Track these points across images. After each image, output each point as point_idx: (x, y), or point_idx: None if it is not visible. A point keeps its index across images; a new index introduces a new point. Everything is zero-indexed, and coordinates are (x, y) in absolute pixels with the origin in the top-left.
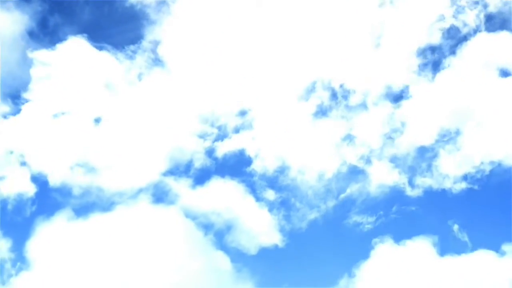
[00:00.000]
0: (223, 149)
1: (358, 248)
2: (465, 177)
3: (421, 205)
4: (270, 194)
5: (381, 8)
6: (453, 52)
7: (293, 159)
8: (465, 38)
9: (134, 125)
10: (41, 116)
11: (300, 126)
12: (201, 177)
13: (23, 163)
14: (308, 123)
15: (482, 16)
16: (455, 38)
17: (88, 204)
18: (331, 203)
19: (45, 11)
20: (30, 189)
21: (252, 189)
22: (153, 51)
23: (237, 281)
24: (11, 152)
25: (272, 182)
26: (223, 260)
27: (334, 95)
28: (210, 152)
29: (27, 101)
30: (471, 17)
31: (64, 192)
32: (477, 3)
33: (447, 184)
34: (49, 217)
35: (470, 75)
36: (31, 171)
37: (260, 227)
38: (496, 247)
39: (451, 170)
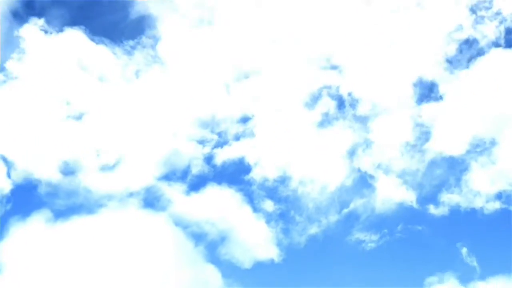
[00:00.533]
0: (222, 156)
1: (360, 267)
2: (499, 196)
3: (432, 224)
4: (269, 205)
5: (395, 13)
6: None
7: (295, 169)
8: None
9: (129, 125)
10: (25, 108)
11: (304, 135)
12: (196, 183)
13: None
14: (312, 132)
15: None
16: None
17: (72, 206)
18: (333, 218)
19: (43, 2)
20: (6, 186)
21: (250, 198)
22: (153, 47)
23: None
24: None
25: (272, 192)
26: (213, 274)
27: (341, 103)
28: (208, 159)
29: None
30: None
31: (47, 191)
32: None
33: (478, 203)
34: (24, 218)
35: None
36: (9, 165)
37: (256, 240)
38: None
39: (483, 187)
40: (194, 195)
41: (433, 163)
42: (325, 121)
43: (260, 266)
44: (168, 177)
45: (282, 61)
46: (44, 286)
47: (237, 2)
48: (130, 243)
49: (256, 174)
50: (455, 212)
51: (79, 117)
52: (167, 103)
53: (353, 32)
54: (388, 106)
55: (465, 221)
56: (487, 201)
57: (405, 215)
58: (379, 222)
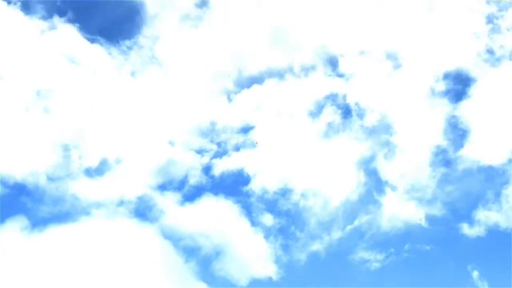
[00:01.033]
0: (221, 167)
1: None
2: None
3: (441, 244)
4: (268, 219)
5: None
6: None
7: (297, 181)
8: None
9: (123, 130)
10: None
11: (307, 146)
12: (191, 194)
13: None
14: (316, 142)
15: None
16: None
17: (57, 213)
18: (336, 235)
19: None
20: None
21: (248, 211)
22: (151, 48)
23: None
24: None
25: (271, 205)
26: None
27: (348, 113)
28: (207, 169)
29: None
30: None
31: (29, 197)
32: None
33: None
34: None
35: None
36: None
37: (253, 256)
38: None
39: None
40: (189, 206)
41: (465, 175)
42: (330, 131)
43: (257, 284)
44: (163, 186)
45: (286, 66)
46: None
47: (239, 2)
48: (113, 257)
49: (255, 186)
50: (494, 232)
51: (69, 120)
52: (164, 108)
53: (360, 38)
54: (399, 116)
55: (494, 241)
56: None
57: (412, 234)
58: (385, 241)
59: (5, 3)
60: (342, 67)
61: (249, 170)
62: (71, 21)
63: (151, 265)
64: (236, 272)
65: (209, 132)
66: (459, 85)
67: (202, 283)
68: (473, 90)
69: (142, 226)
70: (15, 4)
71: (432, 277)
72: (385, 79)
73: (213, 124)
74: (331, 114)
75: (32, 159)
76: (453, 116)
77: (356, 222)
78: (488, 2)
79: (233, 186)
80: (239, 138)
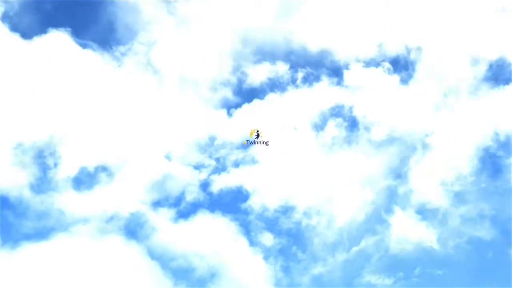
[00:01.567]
0: (219, 183)
1: None
2: None
3: (454, 268)
4: (268, 238)
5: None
6: None
7: (299, 198)
8: None
9: (116, 142)
10: None
11: (311, 160)
12: (186, 210)
13: None
14: (321, 157)
15: None
16: None
17: (41, 229)
18: (340, 257)
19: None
20: None
21: (247, 230)
22: (146, 54)
23: None
24: None
25: (271, 223)
26: None
27: (354, 126)
28: (204, 186)
29: None
30: None
31: (10, 211)
32: None
33: None
34: None
35: None
36: None
37: (251, 278)
38: None
39: None
40: (183, 223)
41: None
42: (336, 145)
43: None
44: (158, 203)
45: (287, 77)
46: None
47: (240, 6)
48: (95, 277)
49: (254, 202)
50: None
51: (59, 130)
52: (160, 119)
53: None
54: (408, 130)
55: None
56: None
57: (423, 257)
58: (394, 264)
59: None
60: (347, 77)
61: (248, 187)
62: (62, 25)
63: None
64: None
65: (208, 147)
66: None
67: None
68: None
69: (130, 244)
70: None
71: None
72: (394, 90)
73: (212, 139)
74: (336, 127)
75: (15, 169)
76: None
77: (363, 243)
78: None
79: (231, 203)
80: (239, 154)
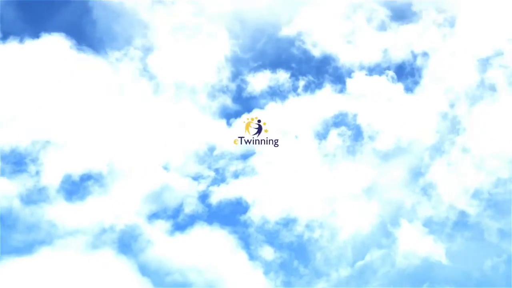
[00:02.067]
0: (218, 195)
1: None
2: None
3: (464, 284)
4: (268, 252)
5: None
6: None
7: (301, 210)
8: None
9: (110, 151)
10: None
11: (313, 171)
12: (183, 222)
13: None
14: (324, 167)
15: None
16: None
17: (31, 242)
18: (344, 272)
19: (19, 4)
20: None
21: (246, 243)
22: (142, 60)
23: None
24: None
25: (272, 236)
26: None
27: (358, 135)
28: (203, 197)
29: None
30: None
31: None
32: None
33: None
34: None
35: None
36: None
37: None
38: None
39: None
40: (179, 236)
41: None
42: (339, 154)
43: None
44: (156, 214)
45: (290, 84)
46: None
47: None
48: None
49: (254, 214)
50: None
51: (52, 137)
52: (156, 129)
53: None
54: (415, 139)
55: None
56: None
57: (432, 272)
58: (401, 279)
59: None
60: (351, 84)
61: (248, 198)
62: (55, 28)
63: None
64: None
65: (207, 158)
66: None
67: None
68: None
69: (122, 258)
70: None
71: None
72: (400, 97)
73: (211, 149)
74: (339, 136)
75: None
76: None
77: (368, 258)
78: None
79: (230, 215)
80: (238, 165)
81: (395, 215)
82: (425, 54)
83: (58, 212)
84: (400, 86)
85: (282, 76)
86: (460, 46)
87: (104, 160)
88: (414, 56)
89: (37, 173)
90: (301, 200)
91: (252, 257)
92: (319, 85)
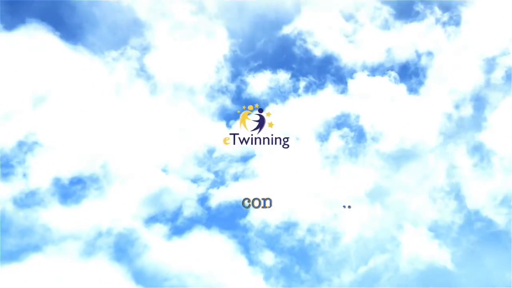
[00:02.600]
0: (218, 198)
1: None
2: None
3: None
4: (268, 257)
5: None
6: None
7: (302, 214)
8: None
9: (107, 153)
10: None
11: (315, 173)
12: (181, 226)
13: None
14: (325, 169)
15: None
16: None
17: (25, 246)
18: (347, 277)
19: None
20: None
21: (245, 247)
22: (139, 60)
23: None
24: None
25: (272, 241)
26: None
27: (361, 136)
28: (202, 200)
29: None
30: None
31: None
32: None
33: None
34: None
35: None
36: None
37: None
38: None
39: None
40: (177, 241)
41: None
42: (341, 156)
43: None
44: (155, 218)
45: (290, 84)
46: None
47: (241, 8)
48: None
49: (254, 218)
50: None
51: (43, 141)
52: (154, 130)
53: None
54: (419, 141)
55: None
56: None
57: (437, 278)
58: (405, 285)
59: None
60: (353, 85)
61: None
62: (50, 27)
63: None
64: None
65: (206, 160)
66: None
67: None
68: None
69: (116, 265)
70: None
71: None
72: (404, 98)
73: (210, 151)
74: (341, 137)
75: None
76: (478, 142)
77: (371, 263)
78: None
79: (230, 219)
80: (238, 167)
81: (399, 218)
82: (429, 54)
83: (53, 215)
84: (403, 86)
85: (283, 77)
86: (465, 45)
87: (99, 163)
88: (418, 56)
89: (24, 175)
90: (302, 204)
91: (252, 262)
92: (320, 86)
